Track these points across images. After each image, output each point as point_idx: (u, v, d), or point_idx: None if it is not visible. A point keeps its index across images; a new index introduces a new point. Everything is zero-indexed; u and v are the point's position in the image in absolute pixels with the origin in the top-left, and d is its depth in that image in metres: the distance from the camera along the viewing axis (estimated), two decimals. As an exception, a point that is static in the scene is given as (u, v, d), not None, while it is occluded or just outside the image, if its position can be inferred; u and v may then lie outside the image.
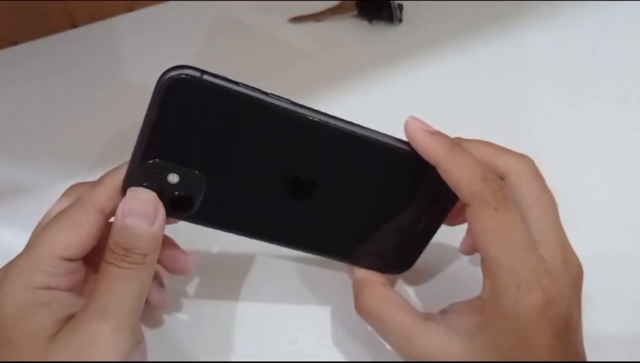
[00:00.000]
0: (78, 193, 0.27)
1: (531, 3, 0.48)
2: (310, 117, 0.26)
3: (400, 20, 0.47)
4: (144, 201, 0.25)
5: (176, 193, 0.26)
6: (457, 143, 0.27)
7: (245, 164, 0.26)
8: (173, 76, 0.24)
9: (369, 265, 0.29)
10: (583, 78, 0.44)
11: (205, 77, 0.24)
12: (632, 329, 0.33)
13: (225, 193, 0.26)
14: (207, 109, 0.25)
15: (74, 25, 0.48)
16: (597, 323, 0.32)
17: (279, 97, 0.25)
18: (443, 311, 0.27)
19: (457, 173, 0.25)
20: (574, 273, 0.26)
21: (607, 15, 0.47)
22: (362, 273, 0.29)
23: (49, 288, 0.24)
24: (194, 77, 0.24)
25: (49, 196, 0.38)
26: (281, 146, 0.26)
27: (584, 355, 0.26)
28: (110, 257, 0.24)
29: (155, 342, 0.28)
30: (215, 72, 0.25)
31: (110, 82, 0.45)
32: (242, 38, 0.47)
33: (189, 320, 0.33)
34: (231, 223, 0.27)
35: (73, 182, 0.39)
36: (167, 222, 0.26)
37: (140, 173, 0.25)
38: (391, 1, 0.46)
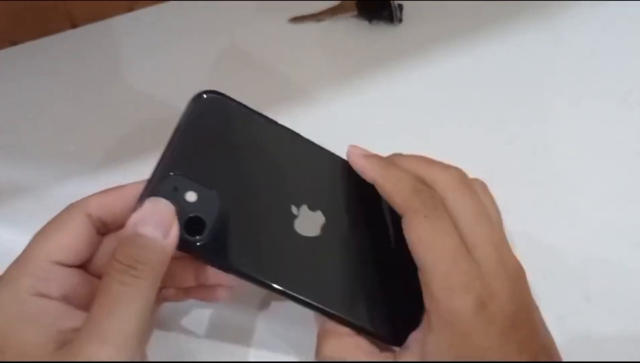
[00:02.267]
0: None
1: (531, 3, 0.48)
2: (321, 153, 0.29)
3: (401, 20, 0.47)
4: (161, 212, 0.24)
5: (191, 214, 0.25)
6: (391, 162, 0.29)
7: (258, 190, 0.27)
8: (204, 95, 0.26)
9: (363, 325, 0.28)
10: (583, 78, 0.44)
11: (232, 103, 0.27)
12: (633, 329, 0.33)
13: (235, 219, 0.26)
14: (230, 132, 0.26)
15: (74, 26, 0.48)
16: (597, 323, 0.32)
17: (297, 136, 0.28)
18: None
19: (389, 188, 0.27)
20: (512, 271, 0.26)
21: (607, 16, 0.47)
22: (330, 323, 0.28)
23: (37, 294, 0.24)
24: (222, 100, 0.26)
25: (49, 196, 0.39)
26: (294, 176, 0.27)
27: (551, 344, 0.26)
28: (113, 270, 0.23)
29: (153, 342, 0.28)
30: (233, 96, 0.27)
31: (110, 82, 0.45)
32: (242, 38, 0.47)
33: (189, 321, 0.33)
34: (234, 258, 0.26)
35: (73, 182, 0.39)
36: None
37: (161, 184, 0.25)
38: (391, 1, 0.46)
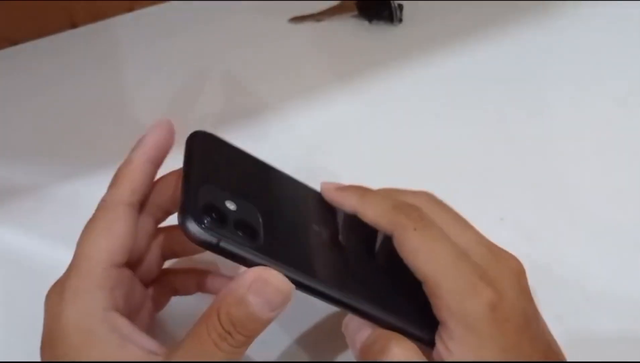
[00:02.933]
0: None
1: (531, 3, 0.48)
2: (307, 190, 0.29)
3: (401, 20, 0.47)
4: (277, 291, 0.22)
5: (239, 217, 0.24)
6: (366, 189, 0.29)
7: (280, 206, 0.27)
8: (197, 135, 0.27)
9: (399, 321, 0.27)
10: (582, 78, 0.44)
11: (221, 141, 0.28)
12: (632, 329, 0.33)
13: (279, 228, 0.26)
14: (231, 163, 0.27)
15: (74, 25, 0.48)
16: (597, 323, 0.32)
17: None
18: None
19: (371, 212, 0.27)
20: (513, 266, 0.26)
21: (607, 16, 0.47)
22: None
23: (109, 307, 0.23)
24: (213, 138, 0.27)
25: (49, 196, 0.39)
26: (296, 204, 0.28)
27: (554, 341, 0.26)
28: (213, 332, 0.22)
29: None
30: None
31: (110, 81, 0.45)
32: (242, 38, 0.47)
33: (188, 320, 0.33)
34: (288, 260, 0.25)
35: (73, 182, 0.39)
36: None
37: (200, 194, 0.24)
38: (391, 1, 0.46)
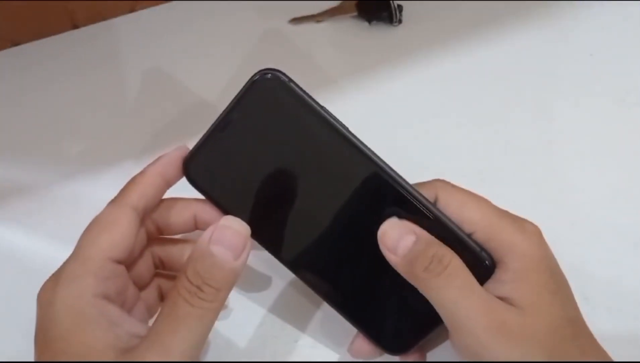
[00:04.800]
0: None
1: (530, 4, 0.48)
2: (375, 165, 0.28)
3: (400, 21, 0.47)
4: (236, 233, 0.24)
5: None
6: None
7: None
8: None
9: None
10: (582, 78, 0.44)
11: (291, 84, 0.27)
12: (632, 329, 0.33)
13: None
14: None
15: (75, 26, 0.49)
16: (596, 323, 0.32)
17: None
18: None
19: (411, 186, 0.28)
20: (535, 227, 0.27)
21: (606, 16, 0.47)
22: None
23: (99, 295, 0.24)
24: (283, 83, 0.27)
25: (49, 196, 0.39)
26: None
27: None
28: (182, 288, 0.23)
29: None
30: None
31: (111, 82, 0.45)
32: (243, 39, 0.47)
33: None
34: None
35: (74, 182, 0.39)
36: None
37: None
38: (391, 1, 0.46)
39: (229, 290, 0.24)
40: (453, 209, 0.27)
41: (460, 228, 0.27)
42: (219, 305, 0.24)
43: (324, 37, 0.47)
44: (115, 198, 0.27)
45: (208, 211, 0.28)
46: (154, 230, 0.29)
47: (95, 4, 0.48)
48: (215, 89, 0.44)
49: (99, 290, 0.24)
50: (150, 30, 0.48)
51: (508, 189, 0.38)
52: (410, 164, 0.40)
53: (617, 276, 0.35)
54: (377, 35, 0.47)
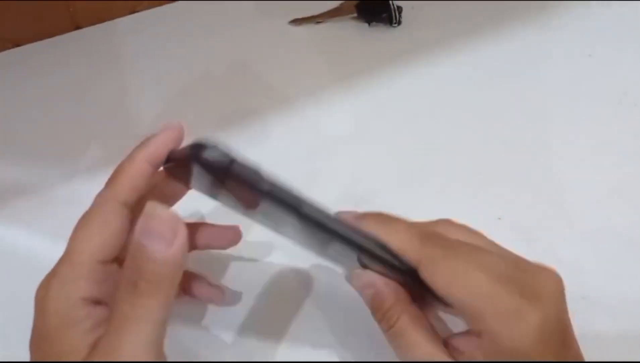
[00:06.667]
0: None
1: (529, 5, 0.48)
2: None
3: (399, 22, 0.47)
4: (160, 220, 0.21)
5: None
6: (388, 217, 0.27)
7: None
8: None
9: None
10: (579, 79, 0.44)
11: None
12: (632, 329, 0.33)
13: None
14: None
15: (77, 27, 0.49)
16: (596, 323, 0.32)
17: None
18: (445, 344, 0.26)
19: (397, 241, 0.26)
20: (556, 279, 0.25)
21: (604, 17, 0.47)
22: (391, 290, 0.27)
23: (89, 298, 0.24)
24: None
25: (50, 196, 0.39)
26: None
27: (582, 355, 0.26)
28: (122, 287, 0.22)
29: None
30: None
31: (112, 83, 0.45)
32: (243, 40, 0.47)
33: (188, 320, 0.33)
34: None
35: (74, 182, 0.40)
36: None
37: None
38: (390, 2, 0.47)
39: (172, 281, 0.22)
40: (438, 285, 0.25)
41: (386, 251, 0.26)
42: (163, 300, 0.22)
43: (323, 38, 0.47)
44: (105, 190, 0.26)
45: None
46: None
47: (96, 5, 0.48)
48: (216, 89, 0.44)
49: (88, 294, 0.24)
50: (151, 31, 0.48)
51: (506, 189, 0.38)
52: (409, 165, 0.40)
53: (613, 276, 0.35)
54: (377, 36, 0.47)
